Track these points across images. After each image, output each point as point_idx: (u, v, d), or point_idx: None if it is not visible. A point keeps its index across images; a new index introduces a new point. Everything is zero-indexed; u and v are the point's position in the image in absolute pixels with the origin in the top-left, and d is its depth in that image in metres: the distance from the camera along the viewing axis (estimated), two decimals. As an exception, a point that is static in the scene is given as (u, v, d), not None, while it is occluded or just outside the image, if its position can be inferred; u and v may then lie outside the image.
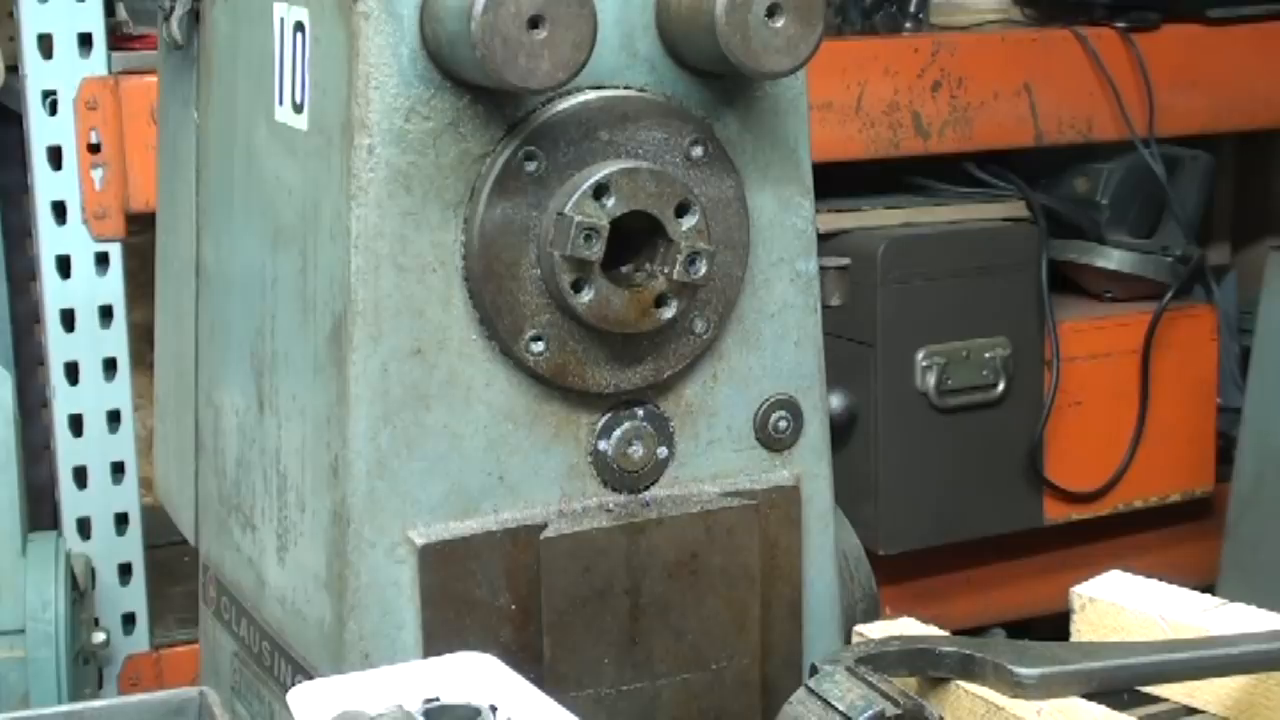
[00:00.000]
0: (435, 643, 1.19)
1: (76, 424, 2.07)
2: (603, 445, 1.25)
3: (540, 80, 1.11)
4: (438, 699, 1.04)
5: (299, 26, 1.25)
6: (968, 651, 1.17)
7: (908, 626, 1.29)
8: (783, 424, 1.30)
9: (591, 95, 1.19)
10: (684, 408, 1.27)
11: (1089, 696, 1.14)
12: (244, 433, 1.39)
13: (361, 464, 1.19)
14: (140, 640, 2.11)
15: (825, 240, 2.14)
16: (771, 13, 1.16)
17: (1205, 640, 1.18)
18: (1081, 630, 1.28)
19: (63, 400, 2.06)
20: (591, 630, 1.24)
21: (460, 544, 1.21)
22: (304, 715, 1.02)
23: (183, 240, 1.56)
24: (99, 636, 1.92)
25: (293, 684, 1.29)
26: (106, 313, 2.06)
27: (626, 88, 1.21)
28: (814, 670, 1.13)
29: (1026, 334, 2.39)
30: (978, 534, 2.43)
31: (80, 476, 2.08)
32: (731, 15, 1.15)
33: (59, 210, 2.03)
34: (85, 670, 1.90)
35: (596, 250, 1.16)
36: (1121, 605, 1.25)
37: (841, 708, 1.07)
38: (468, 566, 1.21)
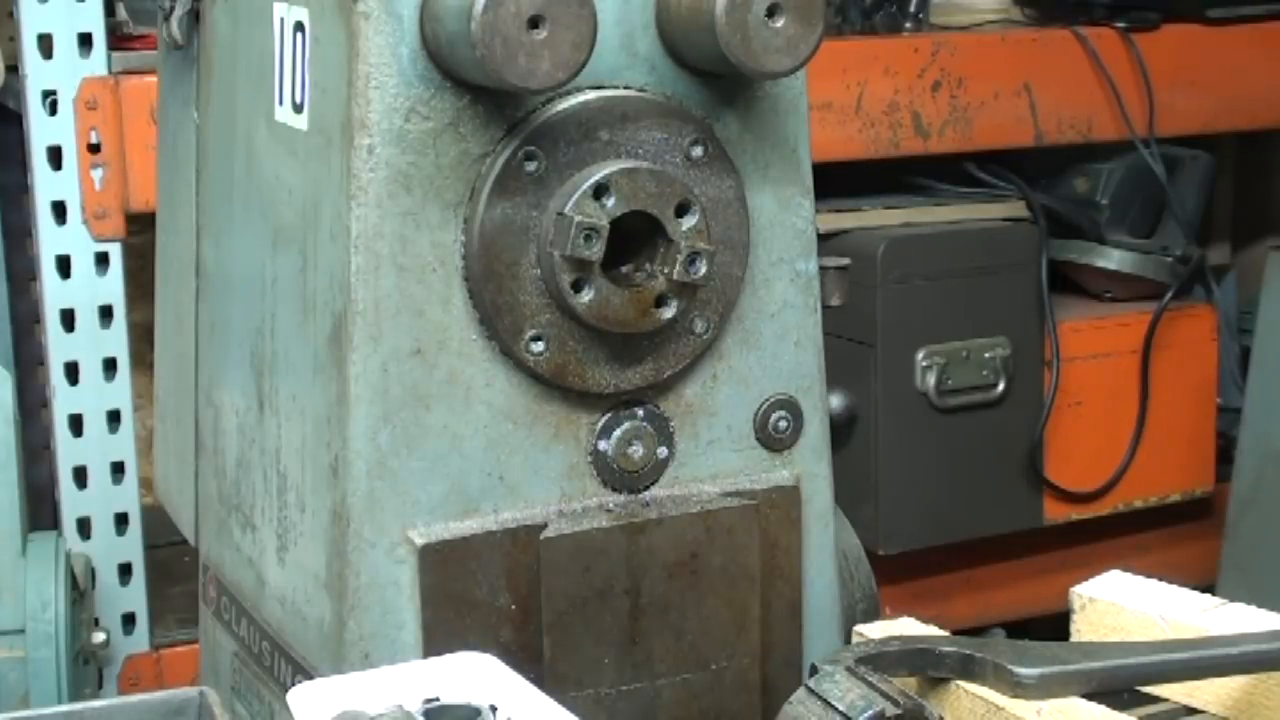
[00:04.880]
0: (435, 643, 1.19)
1: (76, 424, 2.07)
2: (603, 445, 1.25)
3: (540, 80, 1.11)
4: (438, 699, 1.04)
5: (299, 26, 1.25)
6: (968, 651, 1.17)
7: (908, 626, 1.29)
8: (783, 424, 1.30)
9: (591, 95, 1.19)
10: (684, 408, 1.27)
11: (1089, 696, 1.15)
12: (244, 433, 1.40)
13: (361, 464, 1.19)
14: (140, 640, 2.11)
15: (825, 240, 2.14)
16: (771, 13, 1.16)
17: (1205, 640, 1.18)
18: (1081, 630, 1.28)
19: (63, 400, 2.06)
20: (591, 630, 1.24)
21: (460, 544, 1.21)
22: (304, 715, 1.02)
23: (183, 240, 1.56)
24: (99, 636, 1.92)
25: (293, 684, 1.29)
26: (106, 313, 2.06)
27: (626, 88, 1.21)
28: (814, 670, 1.13)
29: (1026, 334, 2.39)
30: (978, 534, 2.43)
31: (80, 476, 2.08)
32: (731, 15, 1.15)
33: (59, 210, 2.03)
34: (85, 670, 1.90)
35: (596, 250, 1.16)
36: (1121, 605, 1.25)
37: (841, 708, 1.07)
38: (468, 566, 1.21)
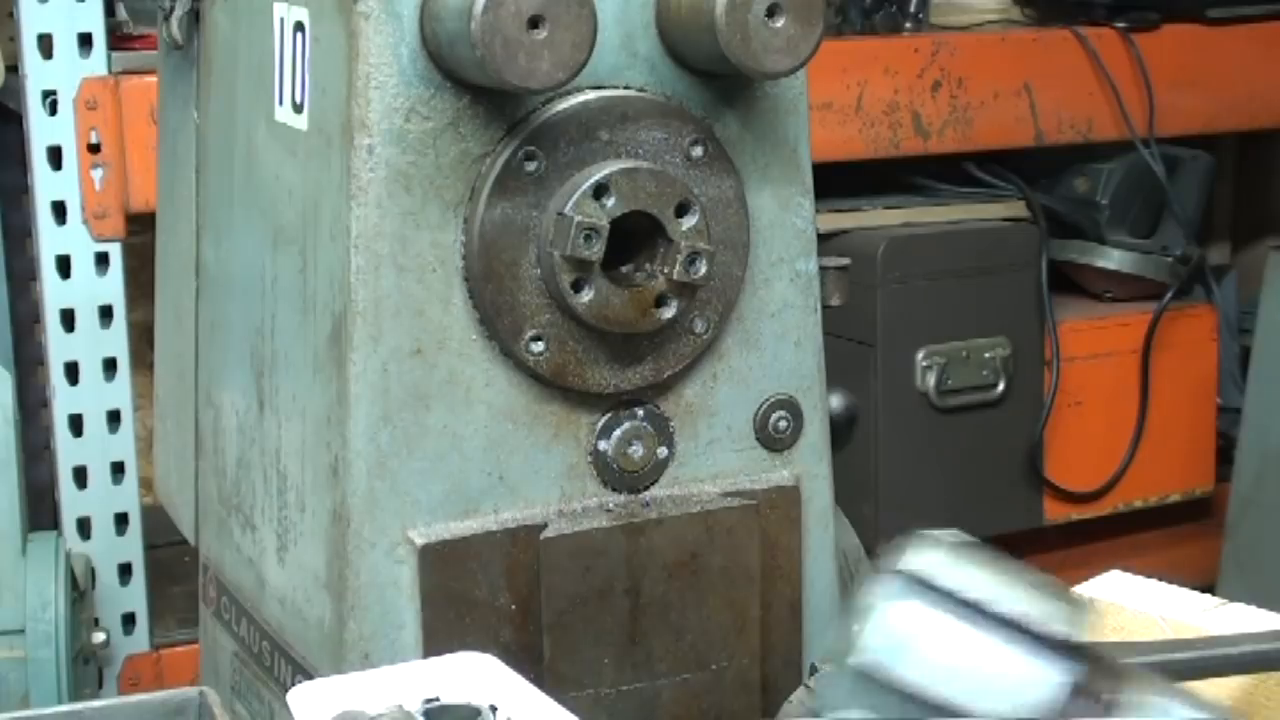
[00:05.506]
0: (435, 643, 1.19)
1: (76, 424, 2.07)
2: (603, 445, 1.25)
3: (540, 80, 1.11)
4: (438, 699, 1.04)
5: (299, 26, 1.25)
6: (968, 651, 1.17)
7: (908, 626, 1.29)
8: (783, 424, 1.30)
9: (591, 95, 1.19)
10: (684, 408, 1.27)
11: (1089, 697, 1.14)
12: (244, 433, 1.40)
13: (361, 464, 1.19)
14: (140, 640, 2.11)
15: (825, 240, 2.14)
16: (771, 13, 1.16)
17: (1205, 640, 1.18)
18: (1081, 630, 1.28)
19: (63, 400, 2.06)
20: (591, 630, 1.24)
21: (460, 544, 1.21)
22: (304, 715, 1.02)
23: (183, 240, 1.56)
24: (99, 636, 1.92)
25: (293, 684, 1.29)
26: (106, 313, 2.06)
27: (626, 88, 1.21)
28: (814, 670, 1.13)
29: (1026, 334, 2.39)
30: (978, 534, 2.41)
31: (80, 476, 2.08)
32: (731, 15, 1.15)
33: (59, 210, 2.02)
34: (85, 670, 1.90)
35: (596, 250, 1.16)
36: (1121, 605, 1.25)
37: (841, 708, 1.07)
38: (468, 566, 1.21)
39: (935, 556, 0.55)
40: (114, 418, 2.08)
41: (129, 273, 2.06)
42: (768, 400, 1.30)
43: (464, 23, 1.09)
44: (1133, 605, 1.25)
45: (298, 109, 1.26)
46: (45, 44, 2.00)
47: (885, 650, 0.52)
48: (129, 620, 2.11)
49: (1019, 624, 0.54)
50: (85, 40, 2.00)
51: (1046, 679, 0.52)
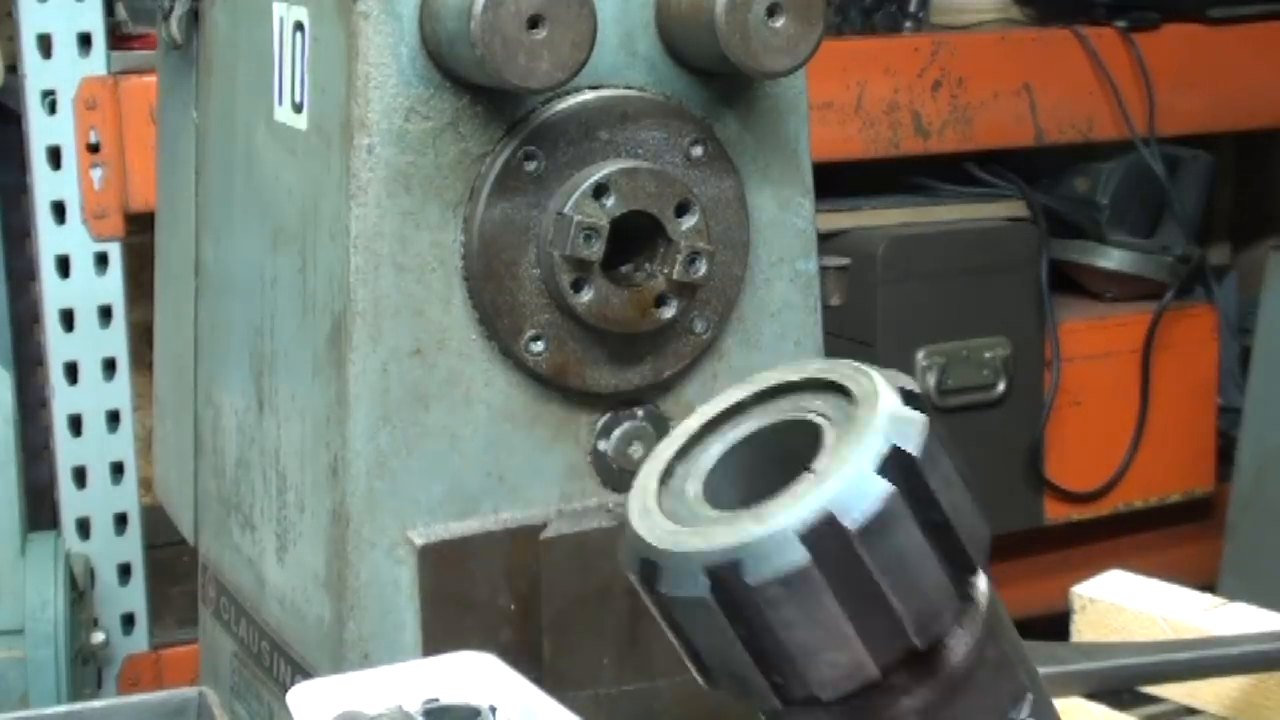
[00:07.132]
0: (435, 643, 1.19)
1: (76, 424, 2.07)
2: (603, 445, 1.25)
3: (540, 80, 1.11)
4: (438, 699, 1.04)
5: (298, 26, 1.25)
6: (968, 651, 1.17)
7: (908, 626, 1.28)
8: (783, 424, 1.30)
9: (591, 95, 1.19)
10: (684, 408, 1.27)
11: (1089, 696, 1.14)
12: (243, 433, 1.39)
13: (361, 464, 1.19)
14: (140, 640, 2.11)
15: (825, 240, 2.14)
16: (771, 12, 1.16)
17: (1205, 640, 1.18)
18: (1081, 630, 1.28)
19: (62, 400, 2.06)
20: (591, 630, 1.24)
21: (460, 544, 1.21)
22: (304, 715, 1.02)
23: (182, 240, 1.56)
24: (98, 636, 1.92)
25: (292, 684, 1.28)
26: (106, 313, 2.06)
27: (626, 87, 1.21)
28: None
29: (1026, 334, 2.39)
30: (977, 534, 2.43)
31: (80, 476, 2.08)
32: (731, 15, 1.15)
33: (58, 210, 2.03)
34: (85, 670, 1.90)
35: (596, 250, 1.16)
36: (1121, 605, 1.25)
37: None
38: (468, 566, 1.21)
39: None
40: (113, 418, 2.08)
41: (129, 273, 2.06)
42: (768, 400, 1.30)
43: (464, 22, 1.09)
44: (1133, 605, 1.25)
45: (297, 109, 1.26)
46: (45, 44, 2.00)
47: None
48: (128, 620, 2.11)
49: None
50: (85, 40, 2.00)
51: None
